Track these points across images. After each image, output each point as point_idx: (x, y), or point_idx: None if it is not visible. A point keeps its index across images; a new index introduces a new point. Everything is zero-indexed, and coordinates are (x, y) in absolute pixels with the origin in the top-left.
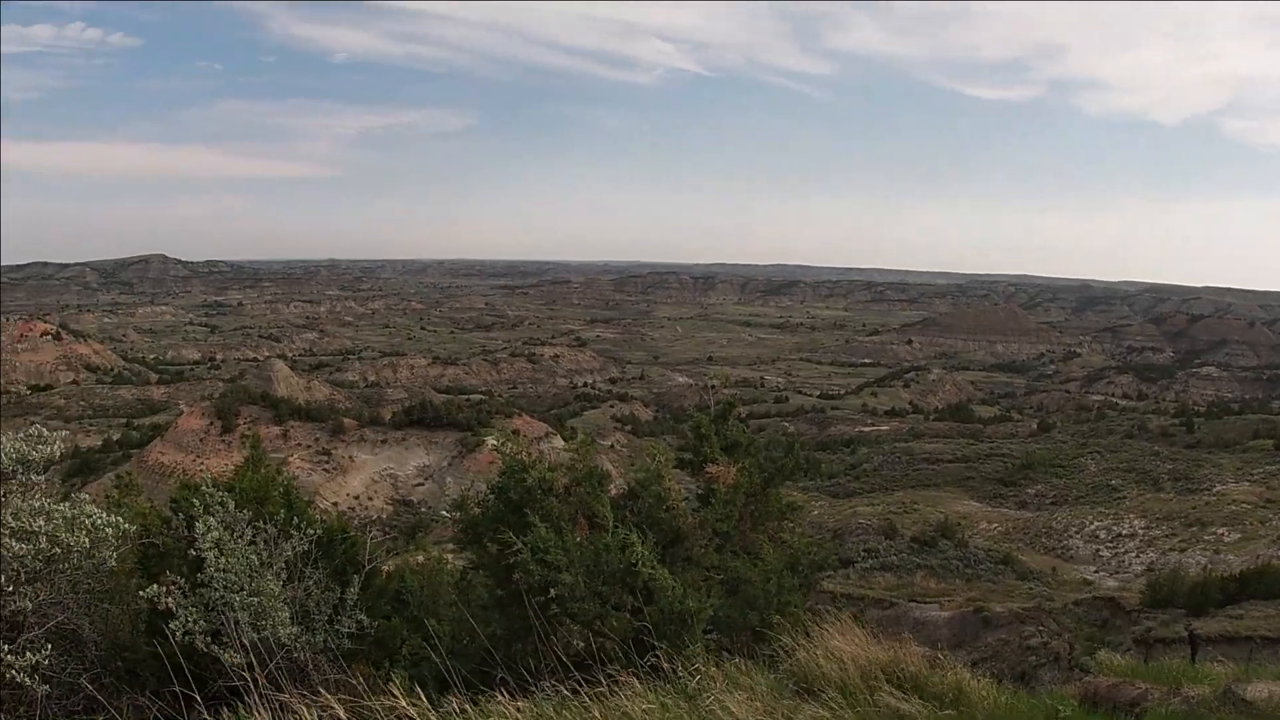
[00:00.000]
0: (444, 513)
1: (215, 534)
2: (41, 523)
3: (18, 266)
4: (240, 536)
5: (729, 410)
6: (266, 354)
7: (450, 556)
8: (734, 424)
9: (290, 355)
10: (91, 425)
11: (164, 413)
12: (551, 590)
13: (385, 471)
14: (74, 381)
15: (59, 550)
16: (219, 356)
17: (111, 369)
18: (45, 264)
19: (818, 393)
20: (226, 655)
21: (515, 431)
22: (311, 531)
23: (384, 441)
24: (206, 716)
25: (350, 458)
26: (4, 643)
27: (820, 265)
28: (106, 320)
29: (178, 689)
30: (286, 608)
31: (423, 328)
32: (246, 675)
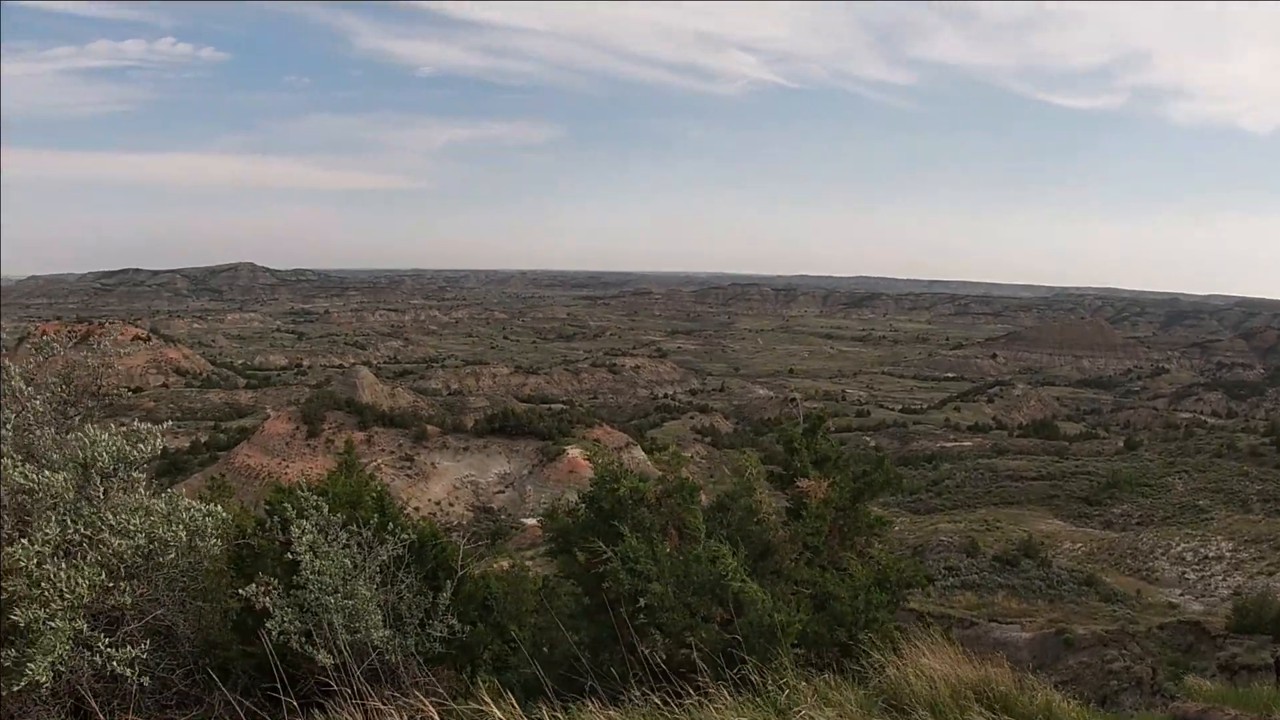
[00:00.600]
0: (528, 520)
1: (310, 537)
2: (138, 520)
3: (110, 273)
4: (334, 540)
5: (819, 424)
6: (352, 361)
7: (531, 564)
8: (823, 438)
9: (375, 362)
10: (180, 428)
11: (251, 417)
12: (641, 600)
13: (466, 478)
14: (164, 385)
15: (156, 546)
16: (305, 363)
17: (200, 373)
18: (138, 270)
19: (900, 407)
20: (320, 656)
21: (596, 441)
22: (405, 536)
23: (466, 449)
24: (298, 715)
25: (432, 464)
26: (104, 635)
27: (903, 278)
28: (196, 326)
29: (269, 688)
30: (379, 611)
31: (505, 337)
32: (338, 676)
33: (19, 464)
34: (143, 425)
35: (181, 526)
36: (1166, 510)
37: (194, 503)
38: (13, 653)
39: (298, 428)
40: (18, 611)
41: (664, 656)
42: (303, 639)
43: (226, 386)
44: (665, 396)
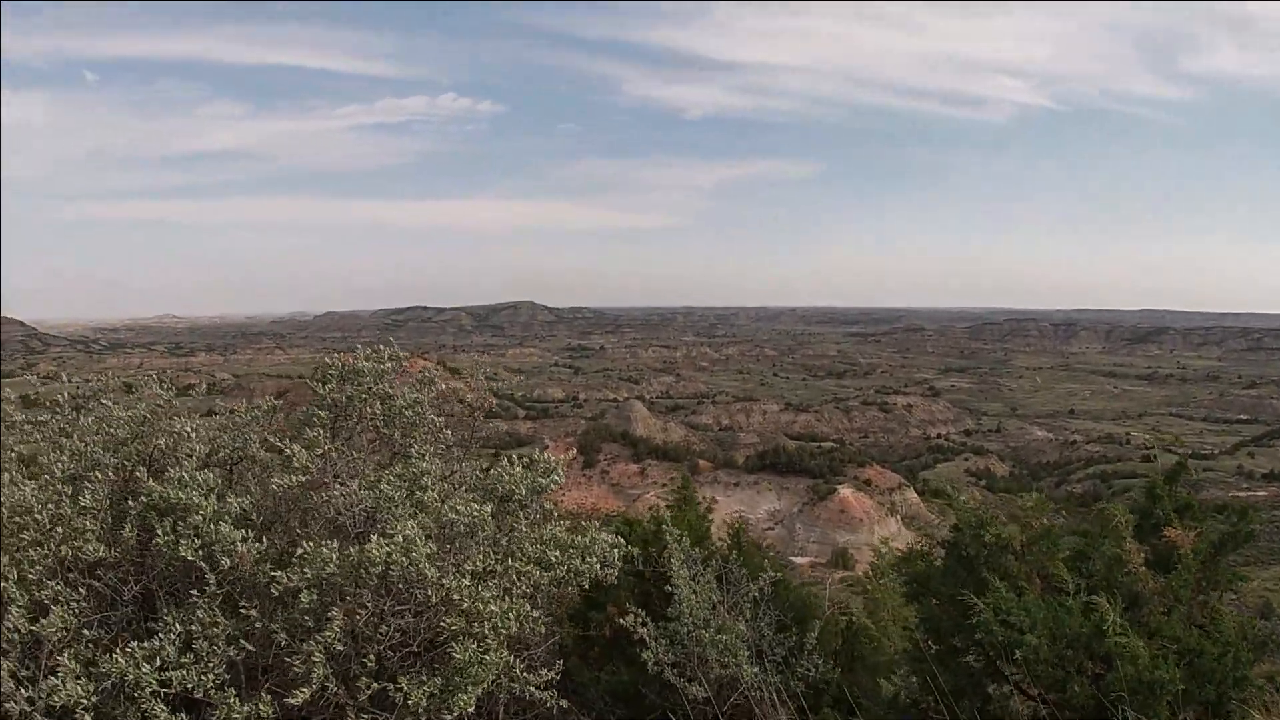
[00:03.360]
0: (797, 558)
1: (686, 570)
2: (558, 554)
3: (399, 310)
4: (701, 574)
5: (1180, 471)
6: (626, 395)
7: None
8: (1181, 487)
9: (648, 397)
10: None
11: (529, 445)
12: (1017, 652)
13: (736, 513)
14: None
15: (570, 576)
16: (581, 396)
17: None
18: (424, 308)
19: (1189, 451)
20: (694, 689)
21: (867, 482)
22: (771, 574)
23: (736, 484)
24: None
25: (703, 498)
26: (515, 659)
27: (1191, 310)
28: (479, 360)
29: (626, 716)
30: (746, 647)
31: (775, 374)
32: (702, 710)
33: (447, 496)
34: (546, 455)
35: (596, 559)
36: None
37: (605, 536)
38: (439, 681)
39: (574, 458)
40: (455, 648)
41: (1028, 712)
42: (674, 670)
43: (508, 417)
44: (938, 437)
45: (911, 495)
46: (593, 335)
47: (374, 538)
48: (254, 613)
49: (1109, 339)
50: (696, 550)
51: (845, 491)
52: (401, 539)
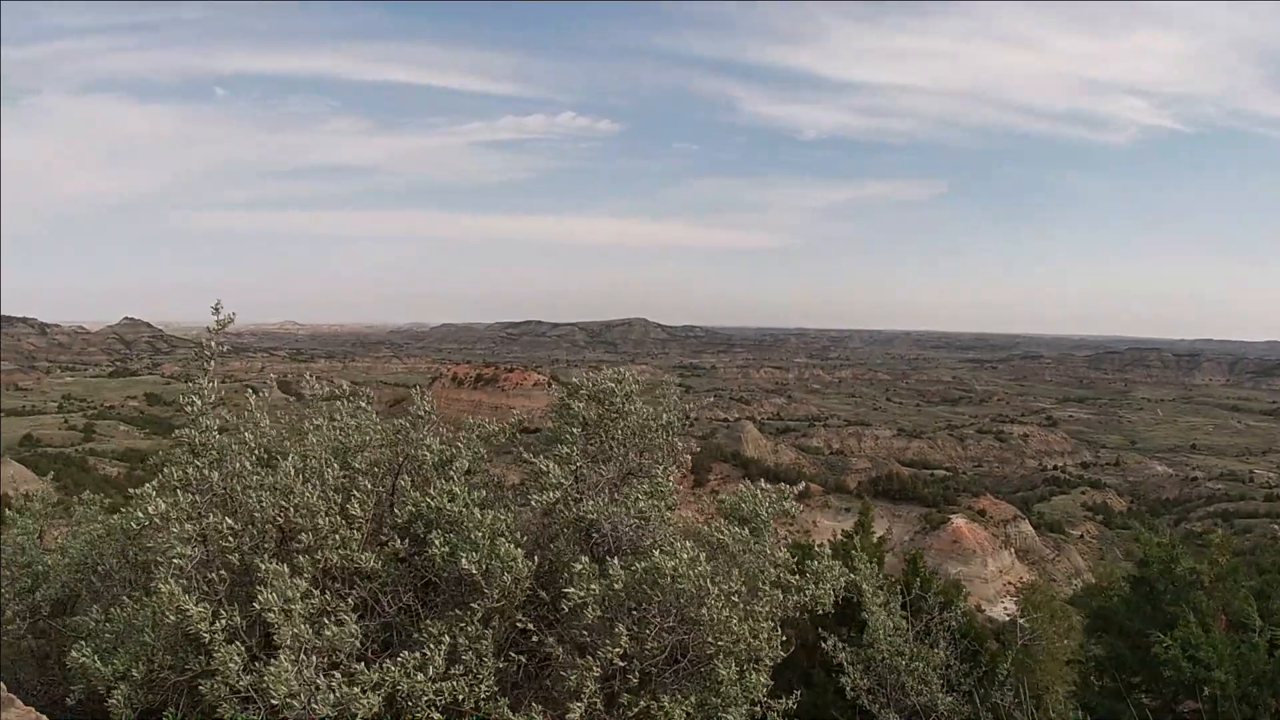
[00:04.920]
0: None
1: (882, 596)
2: (797, 578)
3: (514, 324)
4: (889, 601)
5: None
6: (737, 415)
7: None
8: None
9: (759, 418)
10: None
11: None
12: (1205, 689)
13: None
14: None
15: (810, 600)
16: (692, 415)
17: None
18: (539, 322)
19: None
20: (890, 716)
21: (981, 512)
22: (961, 605)
23: (847, 509)
24: None
25: (814, 522)
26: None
27: None
28: (590, 375)
29: None
30: (939, 675)
31: (888, 399)
32: None
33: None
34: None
35: (830, 585)
36: None
37: (836, 563)
38: (694, 700)
39: (684, 476)
40: (720, 665)
41: None
42: (869, 696)
43: None
44: (1054, 469)
45: (1026, 528)
46: (705, 354)
47: (655, 554)
48: (531, 626)
49: (1233, 371)
50: (885, 577)
51: (959, 521)
52: (687, 556)
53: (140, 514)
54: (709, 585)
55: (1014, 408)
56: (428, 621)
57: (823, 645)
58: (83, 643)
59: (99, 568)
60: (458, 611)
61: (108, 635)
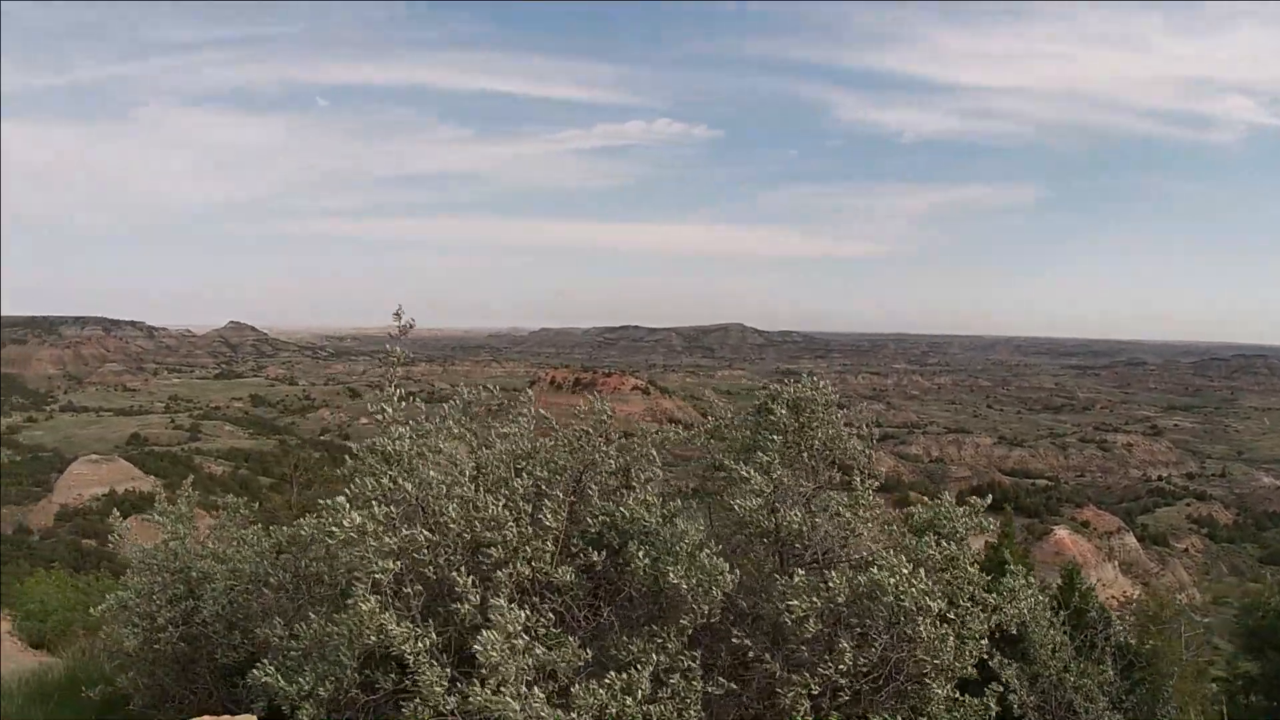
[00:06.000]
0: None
1: (1048, 612)
2: (995, 597)
3: (611, 328)
4: (1055, 616)
5: None
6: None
7: None
8: None
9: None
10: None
11: None
12: None
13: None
14: (656, 432)
15: (1008, 619)
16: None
17: (691, 424)
18: (636, 327)
19: None
20: None
21: (1085, 523)
22: (1123, 625)
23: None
24: None
25: None
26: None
27: None
28: (688, 380)
29: None
30: (1104, 693)
31: (989, 406)
32: None
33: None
34: (958, 499)
35: (1024, 604)
36: None
37: (1024, 580)
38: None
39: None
40: (934, 684)
41: None
42: (1036, 713)
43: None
44: (1159, 479)
45: (1130, 540)
46: (802, 359)
47: (874, 569)
48: (749, 642)
49: None
50: (1044, 594)
51: (1062, 533)
52: (906, 572)
53: (336, 528)
54: (928, 602)
55: (1117, 416)
56: (624, 638)
57: (987, 661)
58: (265, 660)
59: (271, 579)
60: (653, 627)
61: (293, 653)
